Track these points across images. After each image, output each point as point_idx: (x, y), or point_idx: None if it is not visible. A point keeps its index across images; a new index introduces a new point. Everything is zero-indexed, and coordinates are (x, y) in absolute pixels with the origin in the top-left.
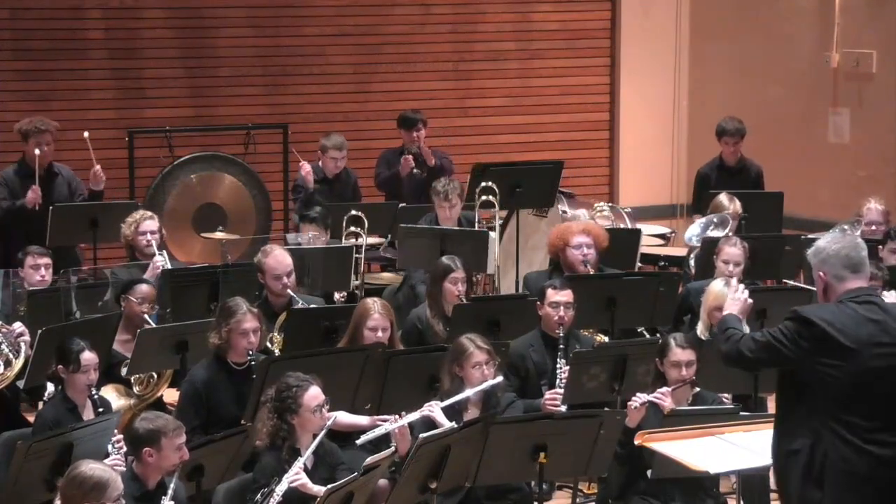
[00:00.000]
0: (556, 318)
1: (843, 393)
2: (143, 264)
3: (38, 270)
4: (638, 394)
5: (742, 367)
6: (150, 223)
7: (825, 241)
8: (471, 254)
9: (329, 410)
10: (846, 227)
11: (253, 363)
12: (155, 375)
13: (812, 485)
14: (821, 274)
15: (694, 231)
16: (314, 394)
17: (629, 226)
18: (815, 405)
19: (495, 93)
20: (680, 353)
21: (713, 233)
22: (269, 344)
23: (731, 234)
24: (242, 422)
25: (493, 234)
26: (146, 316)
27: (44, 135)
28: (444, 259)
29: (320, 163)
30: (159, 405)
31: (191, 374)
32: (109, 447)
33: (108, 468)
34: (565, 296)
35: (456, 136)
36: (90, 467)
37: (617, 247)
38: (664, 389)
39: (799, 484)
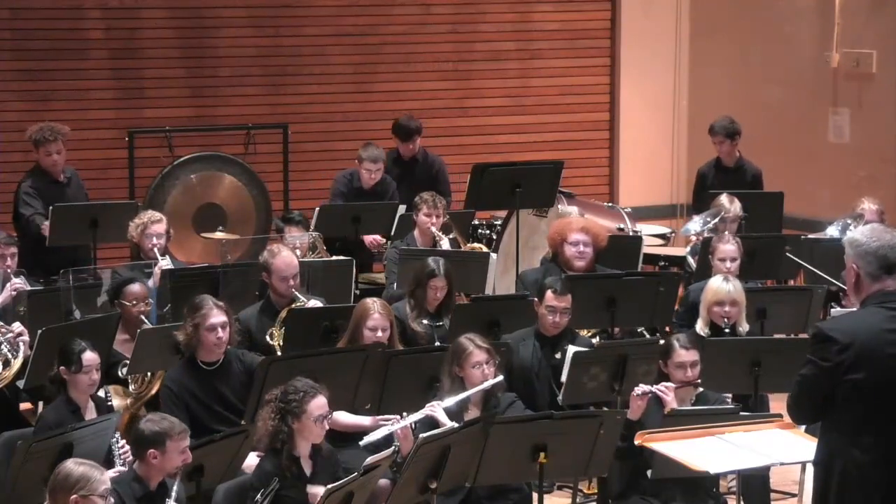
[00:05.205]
0: (551, 322)
1: (868, 404)
2: (143, 264)
3: (3, 261)
4: (641, 385)
5: (804, 419)
6: (158, 227)
7: (864, 236)
8: (471, 275)
9: (330, 416)
10: (850, 221)
11: (234, 360)
12: (149, 373)
13: (828, 496)
14: (853, 266)
15: (694, 226)
16: (320, 403)
17: (629, 225)
18: (841, 416)
19: (495, 93)
20: (684, 354)
21: (711, 225)
22: (269, 339)
23: (730, 234)
24: (242, 422)
25: (494, 256)
26: (143, 316)
27: (55, 143)
28: (430, 261)
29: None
30: (158, 405)
31: (165, 378)
32: (117, 461)
33: (95, 464)
34: (564, 301)
35: (456, 136)
36: (76, 462)
37: (619, 253)
38: (668, 384)
39: (818, 490)
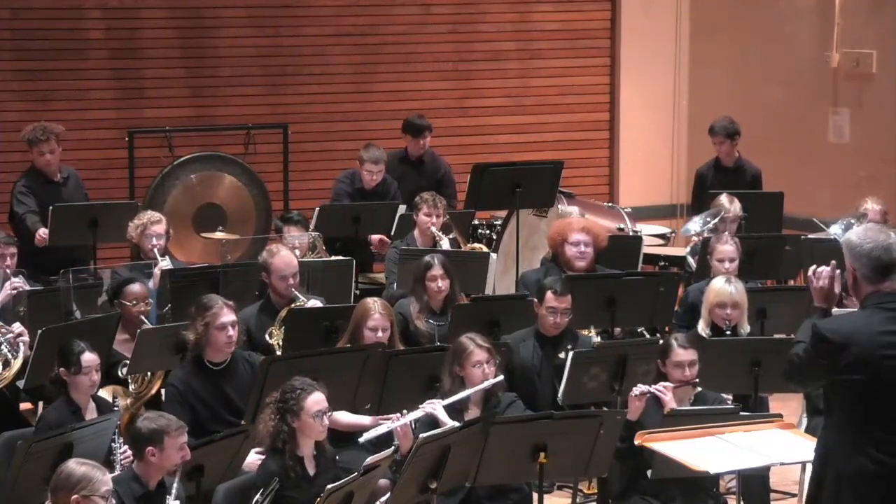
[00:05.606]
0: (551, 323)
1: (868, 404)
2: (143, 264)
3: (3, 260)
4: (640, 384)
5: (801, 389)
6: (157, 227)
7: (859, 238)
8: (471, 275)
9: (329, 412)
10: (853, 220)
11: (240, 361)
12: (149, 373)
13: (824, 492)
14: (851, 268)
15: (694, 226)
16: (317, 399)
17: (629, 225)
18: (841, 417)
19: (495, 93)
20: (682, 354)
21: (711, 225)
22: (268, 338)
23: (729, 234)
24: (243, 422)
25: (494, 256)
26: (143, 316)
27: (48, 143)
28: (426, 257)
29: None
30: (157, 405)
31: (171, 376)
32: (117, 465)
33: (97, 465)
34: (564, 302)
35: (456, 136)
36: (78, 462)
37: (619, 253)
38: (666, 384)
39: (813, 489)
